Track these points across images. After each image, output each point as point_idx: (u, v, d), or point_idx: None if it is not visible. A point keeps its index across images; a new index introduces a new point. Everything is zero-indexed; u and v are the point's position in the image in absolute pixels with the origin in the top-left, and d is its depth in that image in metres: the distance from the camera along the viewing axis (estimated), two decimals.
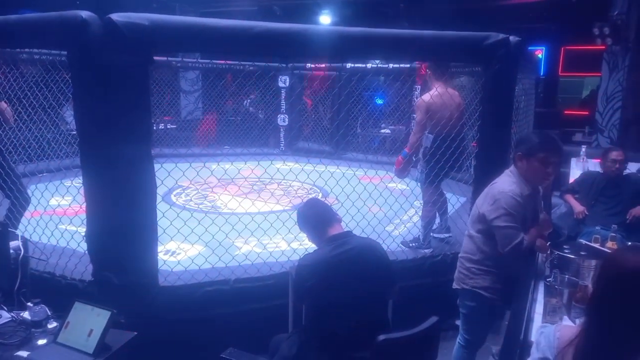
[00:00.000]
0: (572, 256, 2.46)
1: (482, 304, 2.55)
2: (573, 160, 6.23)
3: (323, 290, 2.22)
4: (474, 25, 3.54)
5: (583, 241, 2.90)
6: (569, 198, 4.55)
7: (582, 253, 2.51)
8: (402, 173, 4.05)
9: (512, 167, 2.52)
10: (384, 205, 3.74)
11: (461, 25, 3.59)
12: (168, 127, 8.21)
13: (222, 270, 3.14)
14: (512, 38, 3.35)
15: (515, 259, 2.41)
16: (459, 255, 2.69)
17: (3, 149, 3.72)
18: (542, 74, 11.08)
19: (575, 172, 5.55)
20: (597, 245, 2.78)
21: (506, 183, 2.44)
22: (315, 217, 2.39)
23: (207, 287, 3.01)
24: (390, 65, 7.24)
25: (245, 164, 4.26)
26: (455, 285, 2.67)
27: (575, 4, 7.81)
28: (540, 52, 11.30)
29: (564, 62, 11.36)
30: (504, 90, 3.39)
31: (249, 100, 9.02)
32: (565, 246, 2.63)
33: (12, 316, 2.33)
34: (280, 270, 3.17)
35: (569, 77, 11.54)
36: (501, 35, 3.28)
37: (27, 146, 4.74)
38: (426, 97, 3.83)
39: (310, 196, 5.50)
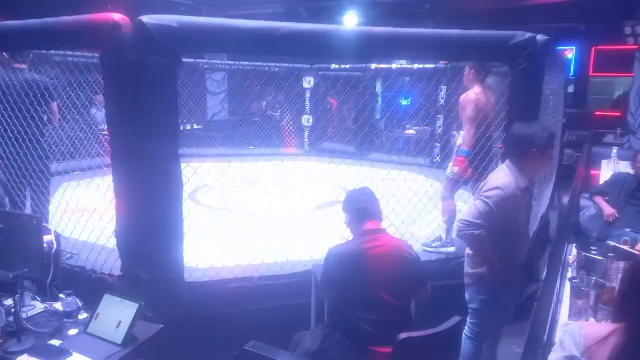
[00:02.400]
0: (600, 258, 2.42)
1: (490, 297, 2.60)
2: (604, 162, 6.08)
3: (349, 282, 2.26)
4: (502, 26, 3.50)
5: (612, 243, 2.84)
6: (599, 200, 4.45)
7: (610, 255, 2.46)
8: (464, 173, 3.74)
9: (507, 162, 2.57)
10: (408, 206, 3.72)
11: (489, 25, 3.55)
12: (194, 127, 8.34)
13: (246, 268, 3.19)
14: (539, 37, 3.30)
15: (462, 236, 2.51)
16: (466, 252, 2.73)
17: (45, 147, 3.86)
18: (572, 74, 10.84)
19: (606, 174, 5.42)
20: (626, 248, 2.71)
21: (503, 177, 2.50)
22: (361, 204, 2.44)
23: (231, 284, 3.06)
24: (415, 66, 7.19)
25: (270, 163, 4.29)
26: (465, 280, 2.71)
27: (605, 3, 7.61)
28: (570, 52, 11.05)
29: (595, 63, 11.08)
30: (530, 90, 3.34)
31: (265, 103, 9.09)
32: (593, 248, 2.58)
33: (46, 307, 2.42)
34: (303, 269, 3.19)
35: (600, 77, 11.25)
36: (528, 35, 3.23)
37: (60, 145, 4.90)
38: (472, 94, 3.72)
39: (335, 196, 5.51)
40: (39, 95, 3.66)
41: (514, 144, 2.58)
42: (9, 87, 3.62)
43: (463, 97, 3.80)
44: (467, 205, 3.97)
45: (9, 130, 3.64)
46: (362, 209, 2.43)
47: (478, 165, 3.59)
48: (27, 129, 3.64)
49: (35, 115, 3.64)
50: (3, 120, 3.66)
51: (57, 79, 4.73)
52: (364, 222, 2.40)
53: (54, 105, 3.95)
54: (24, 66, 3.84)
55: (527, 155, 2.49)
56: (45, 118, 3.92)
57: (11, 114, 3.61)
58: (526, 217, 2.64)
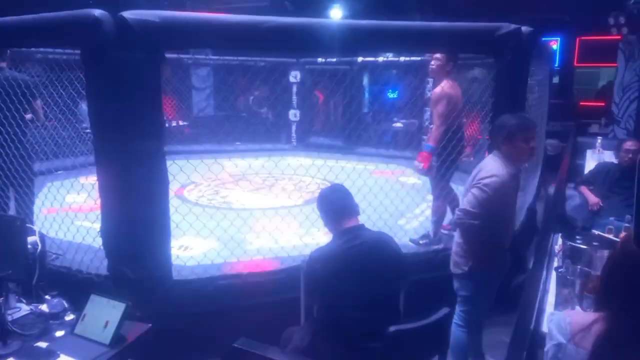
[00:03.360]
0: (585, 246, 2.45)
1: (482, 283, 2.65)
2: (588, 152, 6.17)
3: (335, 283, 2.24)
4: (487, 17, 3.51)
5: (596, 232, 2.88)
6: (584, 190, 4.51)
7: (595, 243, 2.50)
8: (429, 170, 3.79)
9: (495, 152, 2.65)
10: (396, 199, 3.74)
11: (474, 16, 3.56)
12: (180, 124, 8.26)
13: (234, 265, 3.18)
14: (524, 29, 3.32)
15: (460, 225, 2.59)
16: (454, 240, 2.77)
17: (27, 147, 3.80)
18: (557, 65, 10.92)
19: (590, 163, 5.49)
20: (610, 236, 2.75)
21: (495, 165, 2.57)
22: (336, 203, 2.38)
23: (220, 281, 3.05)
24: (402, 59, 7.20)
25: (257, 159, 4.27)
26: (454, 270, 2.73)
27: None
28: (555, 43, 11.14)
29: (579, 53, 11.18)
30: (516, 82, 3.37)
31: (252, 97, 9.03)
32: (577, 237, 2.62)
33: (31, 309, 2.38)
34: (291, 264, 3.20)
35: (585, 68, 11.36)
36: (513, 26, 3.25)
37: (43, 144, 4.83)
38: (440, 89, 3.75)
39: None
40: (20, 94, 3.59)
41: (495, 135, 2.67)
42: None
43: (435, 91, 3.82)
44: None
45: None
46: (336, 208, 2.37)
47: (446, 159, 3.61)
48: (9, 129, 3.58)
49: (16, 114, 3.58)
50: None
51: (39, 76, 4.64)
52: (341, 221, 2.34)
53: (37, 103, 3.87)
54: (3, 64, 3.78)
55: (506, 144, 2.59)
56: (29, 117, 3.84)
57: None
58: (514, 202, 2.74)
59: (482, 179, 2.53)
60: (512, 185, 2.61)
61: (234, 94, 8.46)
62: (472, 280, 2.67)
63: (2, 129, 3.55)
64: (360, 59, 7.63)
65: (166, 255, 2.90)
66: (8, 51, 3.77)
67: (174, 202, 2.96)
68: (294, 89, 8.38)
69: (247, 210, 4.33)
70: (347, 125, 7.41)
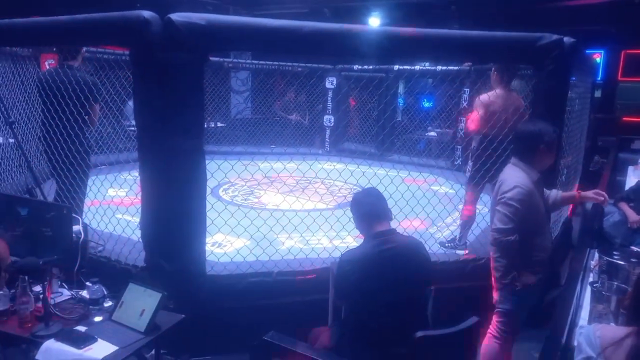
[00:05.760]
0: (622, 262, 2.39)
1: (523, 296, 2.60)
2: (630, 168, 5.97)
3: (364, 286, 2.25)
4: (528, 28, 3.47)
5: (635, 248, 2.80)
6: (623, 206, 4.37)
7: (633, 260, 2.44)
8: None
9: (514, 160, 2.63)
10: (428, 207, 3.72)
11: (516, 27, 3.52)
12: (218, 125, 8.44)
13: (265, 263, 3.24)
14: (566, 39, 3.27)
15: (497, 244, 2.53)
16: (491, 255, 2.71)
17: (84, 142, 3.78)
18: (600, 78, 10.62)
19: (632, 180, 5.32)
20: None
21: (516, 175, 2.55)
22: (369, 206, 2.40)
23: (251, 278, 3.11)
24: (439, 68, 7.16)
25: (291, 161, 4.33)
26: (496, 284, 2.68)
27: (637, 4, 7.44)
28: (598, 56, 10.83)
29: (624, 67, 10.83)
30: (556, 93, 3.31)
31: (279, 103, 9.07)
32: (615, 252, 2.56)
33: (72, 294, 2.51)
34: (321, 266, 3.23)
35: (630, 82, 10.99)
36: (555, 36, 3.20)
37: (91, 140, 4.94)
38: (485, 96, 3.80)
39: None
40: (83, 96, 3.55)
41: (522, 141, 2.63)
42: (63, 82, 3.54)
43: (477, 98, 3.85)
44: (486, 208, 3.98)
45: (53, 125, 3.59)
46: (368, 212, 2.38)
47: (480, 167, 3.60)
48: (74, 124, 3.56)
49: (82, 110, 3.56)
50: (49, 115, 3.62)
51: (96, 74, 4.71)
52: (372, 225, 2.36)
53: (96, 107, 3.79)
54: (75, 63, 3.77)
55: (536, 151, 2.57)
56: (87, 118, 3.72)
57: (57, 108, 3.55)
58: (544, 207, 2.69)
59: (505, 192, 2.51)
60: (537, 192, 2.58)
61: (271, 97, 8.58)
62: (514, 294, 2.61)
63: (66, 124, 3.55)
64: (396, 66, 7.64)
65: (201, 250, 2.98)
66: (84, 49, 3.78)
67: (210, 200, 3.04)
68: (330, 94, 8.44)
69: (280, 210, 4.39)
70: (381, 132, 7.42)
